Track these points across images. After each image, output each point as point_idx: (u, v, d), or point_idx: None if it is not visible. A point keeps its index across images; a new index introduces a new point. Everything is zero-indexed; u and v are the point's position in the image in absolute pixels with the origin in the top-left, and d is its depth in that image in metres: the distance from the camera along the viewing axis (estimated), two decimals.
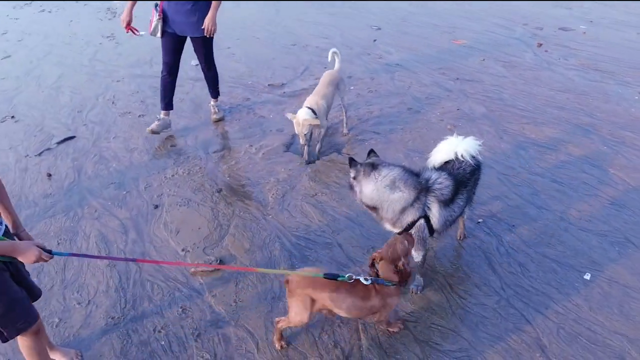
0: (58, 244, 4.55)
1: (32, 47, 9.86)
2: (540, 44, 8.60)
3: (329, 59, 6.16)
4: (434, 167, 3.72)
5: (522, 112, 6.30)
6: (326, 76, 5.86)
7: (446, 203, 3.47)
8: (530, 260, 3.99)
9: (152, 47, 9.72)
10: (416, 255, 3.61)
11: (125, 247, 4.46)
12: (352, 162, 3.51)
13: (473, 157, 3.69)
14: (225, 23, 11.02)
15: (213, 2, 5.67)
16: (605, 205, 4.56)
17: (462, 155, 3.65)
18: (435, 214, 3.44)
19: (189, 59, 8.90)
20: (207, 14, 5.63)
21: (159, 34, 5.76)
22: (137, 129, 6.47)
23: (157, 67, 8.62)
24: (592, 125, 5.88)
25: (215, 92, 6.58)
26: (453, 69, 7.83)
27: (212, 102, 6.65)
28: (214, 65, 6.37)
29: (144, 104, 7.20)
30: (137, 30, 5.85)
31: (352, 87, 7.20)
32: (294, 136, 6.07)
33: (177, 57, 6.08)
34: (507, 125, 5.99)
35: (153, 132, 6.14)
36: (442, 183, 3.47)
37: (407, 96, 6.93)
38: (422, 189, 3.43)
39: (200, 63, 6.32)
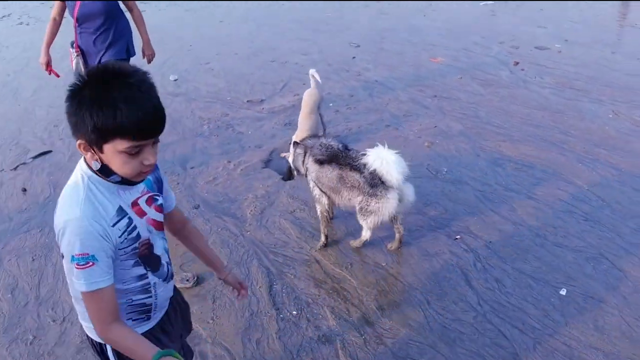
0: (33, 259, 4.48)
1: (9, 59, 9.80)
2: (517, 63, 8.72)
3: (311, 80, 6.18)
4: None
5: (498, 130, 6.38)
6: (307, 100, 5.87)
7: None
8: (507, 276, 4.02)
9: (132, 61, 9.70)
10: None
11: None
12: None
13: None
14: (205, 39, 11.06)
15: (136, 20, 5.41)
16: (580, 221, 4.62)
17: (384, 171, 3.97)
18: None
19: (168, 73, 8.91)
20: (123, 32, 5.32)
21: (82, 70, 5.19)
22: None
23: None
24: (567, 143, 5.96)
25: None
26: (431, 86, 7.91)
27: None
28: None
29: None
30: (57, 74, 5.51)
31: (330, 104, 7.23)
32: (273, 152, 6.08)
33: None
34: (484, 143, 6.06)
35: None
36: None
37: (385, 113, 6.98)
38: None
39: None
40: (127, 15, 5.40)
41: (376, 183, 3.98)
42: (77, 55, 5.23)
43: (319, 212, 4.50)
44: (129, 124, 1.63)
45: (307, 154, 4.44)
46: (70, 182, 1.84)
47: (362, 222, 4.21)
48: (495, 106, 7.09)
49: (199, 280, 4.10)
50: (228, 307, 3.85)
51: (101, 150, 1.70)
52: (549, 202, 4.89)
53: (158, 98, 1.74)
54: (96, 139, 1.67)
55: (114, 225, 1.78)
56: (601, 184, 5.14)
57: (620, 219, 4.61)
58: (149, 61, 5.69)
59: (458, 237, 4.48)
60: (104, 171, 1.78)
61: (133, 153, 1.71)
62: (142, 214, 1.94)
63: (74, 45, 5.25)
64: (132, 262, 1.91)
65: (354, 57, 9.41)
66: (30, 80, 8.63)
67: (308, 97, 5.88)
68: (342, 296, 3.90)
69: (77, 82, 1.64)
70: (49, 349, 3.59)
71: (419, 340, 3.49)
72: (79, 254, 1.70)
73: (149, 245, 1.98)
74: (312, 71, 6.16)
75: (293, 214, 4.92)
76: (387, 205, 3.99)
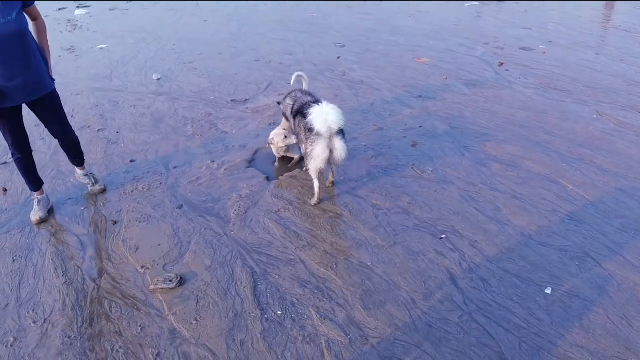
0: (13, 260, 4.40)
1: None
2: (502, 63, 8.76)
3: (292, 82, 6.16)
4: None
5: (483, 130, 6.38)
6: None
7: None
8: (492, 275, 4.01)
9: (112, 61, 9.63)
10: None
11: (83, 264, 4.34)
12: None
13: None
14: (188, 38, 10.99)
15: (40, 32, 4.66)
16: (565, 220, 4.63)
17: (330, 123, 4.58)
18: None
19: (151, 72, 8.84)
20: (43, 62, 4.58)
21: None
22: (95, 144, 6.34)
23: (118, 80, 8.54)
24: (551, 143, 5.98)
25: (81, 159, 5.34)
26: (416, 86, 7.92)
27: (79, 172, 5.41)
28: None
29: (103, 118, 7.08)
30: None
31: None
32: (257, 152, 6.04)
33: (24, 130, 4.73)
34: (469, 142, 6.06)
35: (41, 220, 4.91)
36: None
37: (370, 113, 6.97)
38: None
39: (55, 131, 4.97)
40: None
41: (311, 128, 4.62)
42: None
43: (311, 169, 4.90)
44: None
45: (295, 106, 5.23)
46: None
47: (307, 168, 5.04)
48: (480, 106, 7.10)
49: (182, 281, 4.05)
50: (212, 307, 3.80)
51: None
52: (534, 202, 4.90)
53: None
54: None
55: None
56: (585, 184, 5.16)
57: (604, 219, 4.63)
58: None
59: (443, 236, 4.47)
60: None
61: None
62: None
63: None
64: None
65: (338, 57, 9.40)
66: None
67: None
68: (327, 296, 3.86)
69: None
70: (29, 351, 3.52)
71: (404, 339, 3.47)
72: None
73: None
74: (297, 73, 6.13)
75: (277, 213, 4.88)
76: (316, 149, 4.66)
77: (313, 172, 4.89)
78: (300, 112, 4.99)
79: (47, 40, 4.74)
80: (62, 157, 6.01)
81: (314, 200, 5.01)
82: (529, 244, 4.34)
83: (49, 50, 4.75)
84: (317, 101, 4.87)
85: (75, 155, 5.25)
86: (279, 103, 5.51)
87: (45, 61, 4.65)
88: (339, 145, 4.67)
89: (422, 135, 6.30)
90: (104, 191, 5.35)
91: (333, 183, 5.31)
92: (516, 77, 8.15)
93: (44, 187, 5.11)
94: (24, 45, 4.31)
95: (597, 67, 8.54)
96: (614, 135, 6.16)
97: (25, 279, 4.19)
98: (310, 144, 4.72)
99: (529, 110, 6.94)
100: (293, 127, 5.30)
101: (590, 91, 7.52)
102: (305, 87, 6.02)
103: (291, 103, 5.34)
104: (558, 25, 11.21)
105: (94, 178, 5.41)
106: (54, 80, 4.75)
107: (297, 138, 5.25)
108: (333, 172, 5.26)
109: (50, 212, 5.07)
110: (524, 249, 4.29)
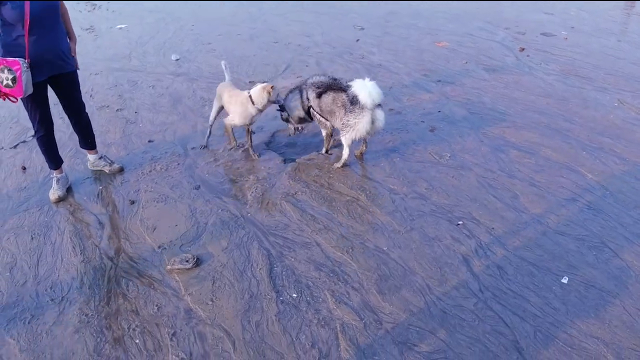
0: (32, 238, 4.46)
1: None
2: (523, 49, 8.65)
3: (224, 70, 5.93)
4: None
5: (502, 116, 6.33)
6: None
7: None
8: (509, 263, 3.99)
9: (131, 41, 9.65)
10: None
11: (100, 243, 4.39)
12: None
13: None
14: (207, 19, 10.97)
15: (70, 30, 4.77)
16: (583, 209, 4.59)
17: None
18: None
19: (169, 52, 8.85)
20: (64, 32, 4.65)
21: (30, 89, 4.40)
22: (114, 124, 6.38)
23: (136, 60, 8.56)
24: (571, 131, 5.92)
25: (93, 141, 5.35)
26: (435, 70, 7.85)
27: (92, 157, 5.42)
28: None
29: (122, 98, 7.11)
30: (14, 97, 4.40)
31: None
32: (274, 134, 6.04)
33: (49, 107, 4.79)
34: (487, 128, 6.01)
35: (60, 198, 4.96)
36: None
37: (388, 97, 6.92)
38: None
39: (71, 109, 5.02)
40: None
41: (355, 101, 4.92)
42: (27, 69, 4.29)
43: (324, 133, 5.57)
44: None
45: (303, 94, 5.45)
46: None
47: (342, 138, 5.21)
48: (500, 92, 7.03)
49: (198, 262, 4.08)
50: (228, 288, 3.83)
51: None
52: (552, 190, 4.86)
53: None
54: None
55: None
56: (605, 173, 5.10)
57: (623, 209, 4.58)
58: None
59: (460, 222, 4.45)
60: None
61: None
62: None
63: (18, 57, 4.28)
64: None
65: (357, 40, 9.33)
66: None
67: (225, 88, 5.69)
68: (343, 279, 3.88)
69: None
70: (47, 328, 3.57)
71: (419, 325, 3.47)
72: None
73: None
74: (223, 62, 5.94)
75: (294, 196, 4.89)
76: (361, 121, 4.94)
77: (348, 141, 5.18)
78: (331, 89, 5.20)
79: (70, 22, 4.80)
80: None
81: (340, 164, 5.34)
82: (546, 233, 4.31)
83: (73, 32, 4.84)
84: (331, 77, 5.39)
85: (87, 136, 5.25)
86: (280, 106, 5.59)
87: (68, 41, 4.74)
88: (381, 116, 5.02)
89: (440, 120, 6.26)
90: (121, 170, 5.39)
91: (362, 154, 5.53)
92: (537, 63, 8.05)
93: (63, 165, 5.15)
94: (57, 20, 4.48)
95: (619, 55, 8.40)
96: (635, 124, 6.08)
97: (44, 257, 4.24)
98: (354, 116, 4.97)
99: (549, 96, 6.86)
100: (317, 107, 5.35)
101: (612, 79, 7.41)
102: (227, 79, 5.81)
103: (298, 96, 5.51)
104: (580, 10, 11.03)
105: (109, 159, 5.44)
106: (75, 60, 4.82)
107: (318, 117, 5.41)
108: (366, 142, 5.50)
109: (69, 190, 5.11)
110: (541, 237, 4.27)
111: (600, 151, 5.48)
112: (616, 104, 6.60)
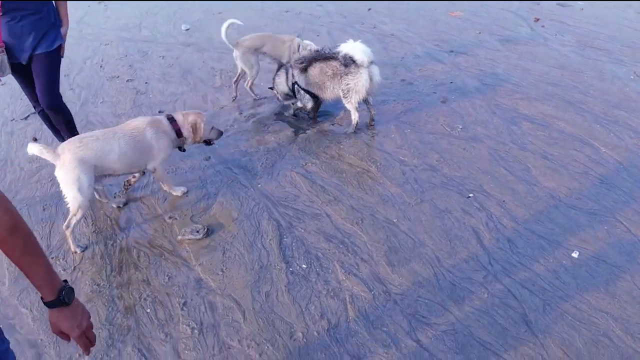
0: (44, 209, 4.49)
1: None
2: (538, 19, 8.51)
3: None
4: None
5: (515, 87, 6.25)
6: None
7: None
8: (519, 236, 3.98)
9: (141, 11, 9.57)
10: None
11: (112, 213, 4.41)
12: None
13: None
14: None
15: (60, 6, 4.53)
16: (596, 183, 4.55)
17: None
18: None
19: (179, 22, 8.78)
20: (55, 16, 4.46)
21: (8, 70, 4.35)
22: (124, 94, 6.37)
23: (146, 31, 8.51)
24: (586, 103, 5.84)
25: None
26: (448, 41, 7.75)
27: None
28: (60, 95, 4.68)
29: (132, 69, 7.08)
30: None
31: None
32: (285, 106, 6.01)
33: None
34: (500, 100, 5.95)
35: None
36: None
37: (400, 67, 6.86)
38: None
39: (43, 95, 4.51)
40: None
41: (349, 63, 5.06)
42: (2, 52, 4.22)
43: (309, 108, 5.66)
44: None
45: (289, 72, 5.51)
46: None
47: (347, 105, 5.31)
48: (514, 63, 6.94)
49: (209, 232, 4.09)
50: (238, 259, 3.85)
51: None
52: (565, 163, 4.81)
53: None
54: None
55: None
56: (619, 147, 5.04)
57: (636, 183, 4.53)
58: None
59: (471, 195, 4.43)
60: None
61: None
62: None
63: None
64: None
65: (369, 9, 9.21)
66: None
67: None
68: (352, 251, 3.88)
69: None
70: None
71: (427, 297, 3.48)
72: None
73: None
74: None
75: (304, 167, 4.88)
76: (361, 80, 5.06)
77: (355, 104, 5.26)
78: (316, 61, 5.31)
79: (65, 7, 4.59)
80: (92, 107, 6.08)
81: (351, 128, 5.42)
82: (557, 206, 4.28)
83: (67, 17, 4.64)
84: (314, 51, 5.63)
85: (70, 130, 4.76)
86: (271, 88, 5.86)
87: (59, 22, 4.52)
88: (377, 70, 5.17)
89: (452, 91, 6.19)
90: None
91: (373, 120, 5.56)
92: (552, 34, 7.92)
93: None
94: (42, 3, 4.27)
95: (637, 26, 8.25)
96: None
97: (56, 227, 4.28)
98: (352, 77, 5.10)
99: (563, 68, 6.76)
100: (303, 82, 5.43)
101: (629, 51, 7.28)
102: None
103: (284, 74, 5.61)
104: None
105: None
106: (63, 41, 4.57)
107: (302, 93, 5.52)
108: (372, 108, 5.52)
109: None
110: (553, 210, 4.24)
111: (615, 125, 5.41)
112: (632, 77, 6.49)
